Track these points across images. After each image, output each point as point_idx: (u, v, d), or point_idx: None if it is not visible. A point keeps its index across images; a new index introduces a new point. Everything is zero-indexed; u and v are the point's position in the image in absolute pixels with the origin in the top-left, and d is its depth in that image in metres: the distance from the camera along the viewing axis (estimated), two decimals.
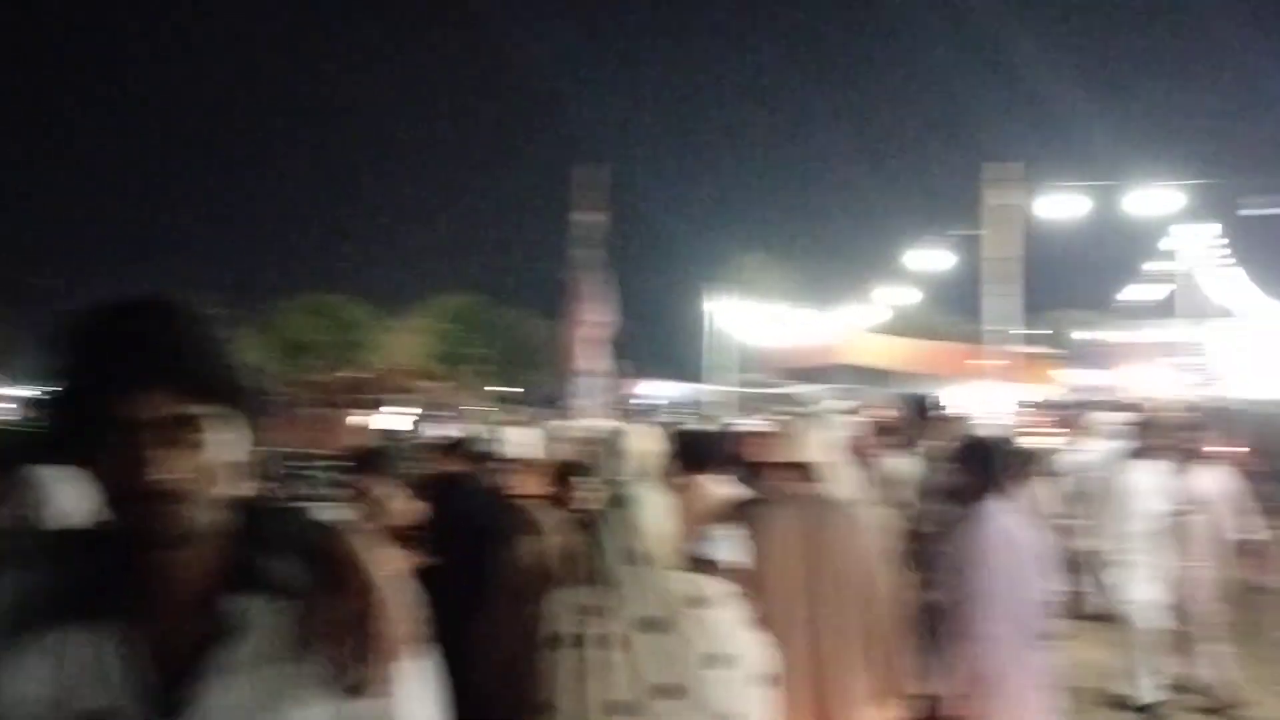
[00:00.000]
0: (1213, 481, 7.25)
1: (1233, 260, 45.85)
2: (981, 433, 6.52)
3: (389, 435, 10.50)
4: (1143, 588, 6.53)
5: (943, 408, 6.73)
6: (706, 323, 29.71)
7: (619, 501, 3.02)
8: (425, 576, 2.13)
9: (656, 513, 3.04)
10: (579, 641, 2.81)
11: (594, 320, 10.95)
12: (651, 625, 2.80)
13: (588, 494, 3.19)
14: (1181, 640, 6.68)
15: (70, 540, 1.14)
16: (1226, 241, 44.49)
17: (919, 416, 6.38)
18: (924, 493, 5.37)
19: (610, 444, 4.11)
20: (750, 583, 3.37)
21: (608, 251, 11.42)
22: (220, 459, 1.08)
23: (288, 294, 40.48)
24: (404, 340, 35.98)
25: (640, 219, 38.09)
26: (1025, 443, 8.94)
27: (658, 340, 36.71)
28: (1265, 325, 41.76)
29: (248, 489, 1.14)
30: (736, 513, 3.65)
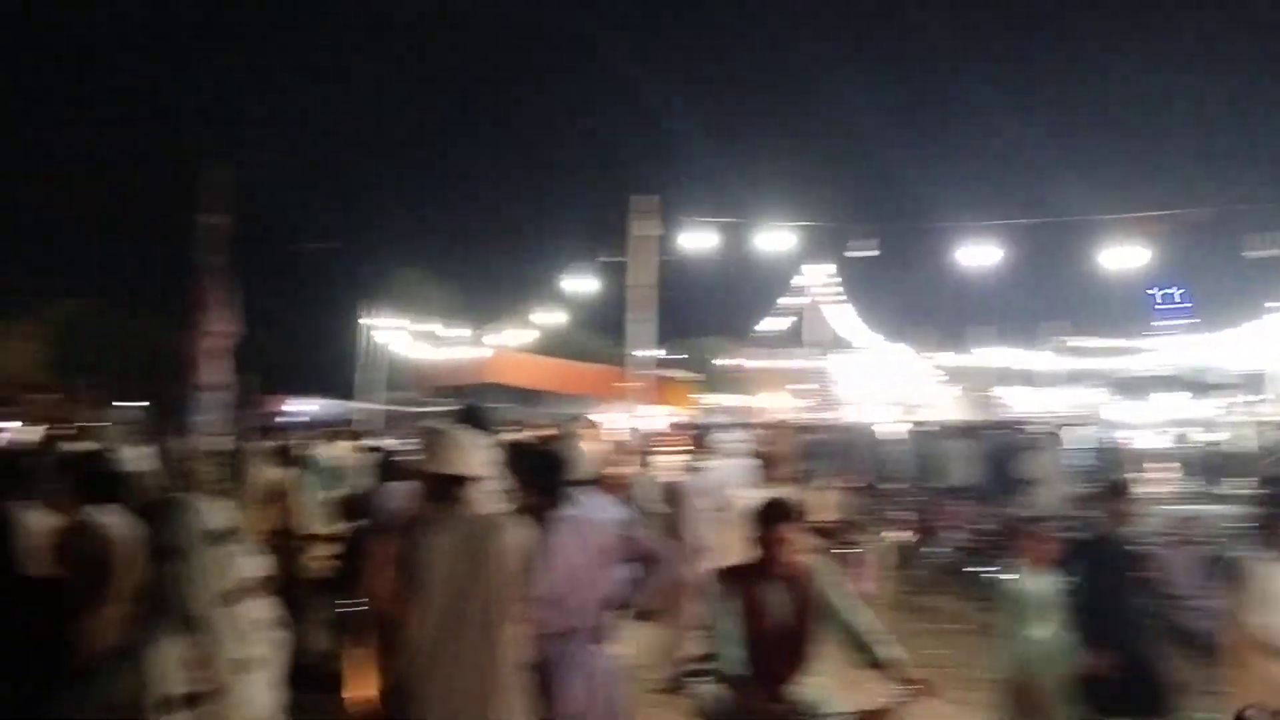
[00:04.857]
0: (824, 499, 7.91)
1: (844, 297, 50.80)
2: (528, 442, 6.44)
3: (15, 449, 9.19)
4: None
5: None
6: (362, 338, 28.79)
7: (210, 538, 2.70)
8: None
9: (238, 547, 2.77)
10: (192, 701, 2.49)
11: (217, 330, 10.14)
12: (242, 667, 2.60)
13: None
14: None
15: None
16: (839, 280, 49.09)
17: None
18: None
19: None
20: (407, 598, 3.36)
21: (234, 257, 10.65)
22: None
23: None
24: (11, 349, 31.96)
25: (281, 227, 36.08)
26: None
27: (306, 355, 35.22)
28: (874, 357, 46.64)
29: None
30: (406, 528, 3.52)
